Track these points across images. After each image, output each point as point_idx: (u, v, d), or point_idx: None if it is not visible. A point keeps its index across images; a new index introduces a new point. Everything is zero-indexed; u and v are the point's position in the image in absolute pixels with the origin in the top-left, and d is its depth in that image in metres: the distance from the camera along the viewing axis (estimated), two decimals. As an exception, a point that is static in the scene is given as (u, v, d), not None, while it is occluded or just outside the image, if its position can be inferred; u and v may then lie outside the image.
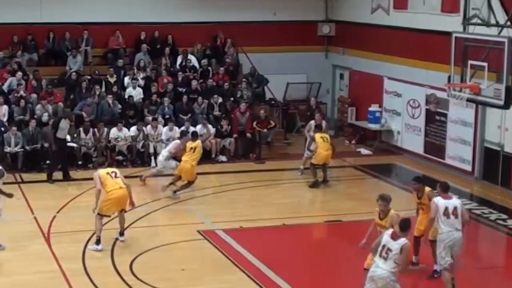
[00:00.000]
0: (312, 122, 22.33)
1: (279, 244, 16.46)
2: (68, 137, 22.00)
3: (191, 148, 19.47)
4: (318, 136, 20.86)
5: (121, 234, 16.09)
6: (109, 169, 15.95)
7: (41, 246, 16.07)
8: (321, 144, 20.63)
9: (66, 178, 21.30)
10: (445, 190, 13.84)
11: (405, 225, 11.91)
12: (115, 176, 15.72)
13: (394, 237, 11.73)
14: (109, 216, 15.94)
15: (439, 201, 13.52)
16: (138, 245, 15.90)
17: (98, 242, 15.65)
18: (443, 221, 13.39)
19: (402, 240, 11.68)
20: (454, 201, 13.62)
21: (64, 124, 21.12)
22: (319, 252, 16.16)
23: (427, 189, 14.52)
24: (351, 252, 15.90)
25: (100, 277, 14.31)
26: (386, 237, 11.80)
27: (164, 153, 20.57)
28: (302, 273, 14.80)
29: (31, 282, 14.15)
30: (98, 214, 15.71)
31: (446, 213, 13.42)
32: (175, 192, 19.50)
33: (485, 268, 15.26)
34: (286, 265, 15.00)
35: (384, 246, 11.73)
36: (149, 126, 23.25)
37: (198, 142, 19.83)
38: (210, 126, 23.73)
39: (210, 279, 14.44)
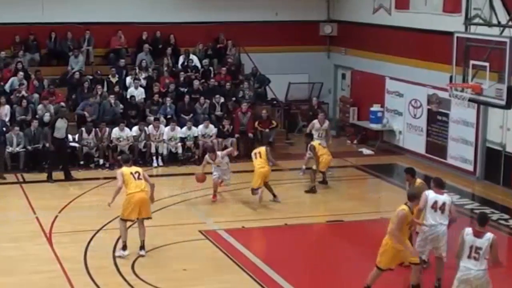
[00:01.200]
0: (315, 122, 22.30)
1: (281, 244, 16.46)
2: (70, 137, 22.07)
3: (256, 154, 19.26)
4: (316, 143, 20.76)
5: (142, 248, 15.38)
6: (133, 169, 15.46)
7: (43, 246, 16.07)
8: (321, 150, 20.57)
9: (68, 178, 21.29)
10: (439, 185, 13.97)
11: (483, 220, 11.98)
12: (138, 178, 15.27)
13: (478, 234, 11.73)
14: (132, 221, 15.49)
15: (430, 194, 13.72)
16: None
17: (124, 247, 15.31)
18: (429, 213, 13.62)
19: (489, 235, 11.71)
20: (445, 197, 13.81)
21: (61, 123, 21.11)
22: (321, 252, 16.15)
23: (418, 181, 14.66)
24: (352, 252, 15.95)
25: (102, 277, 14.31)
26: (469, 237, 11.75)
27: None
28: (303, 273, 14.79)
29: (33, 282, 14.15)
30: (121, 219, 15.36)
31: (434, 206, 13.64)
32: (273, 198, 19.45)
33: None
34: (288, 265, 15.00)
35: (471, 246, 11.70)
36: (150, 126, 23.24)
37: (262, 147, 19.56)
38: (211, 126, 23.75)
39: (211, 279, 14.44)
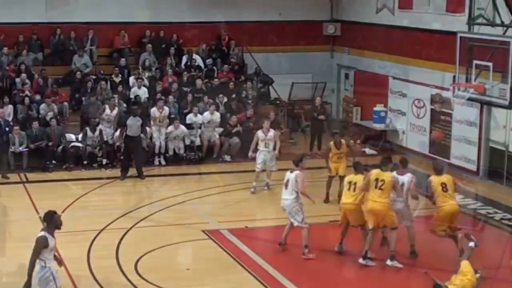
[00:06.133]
0: (258, 132, 20.30)
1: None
2: (73, 137, 22.05)
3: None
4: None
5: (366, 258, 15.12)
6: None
7: (46, 245, 16.05)
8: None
9: (140, 176, 21.40)
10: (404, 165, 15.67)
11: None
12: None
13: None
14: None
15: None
16: (143, 245, 15.89)
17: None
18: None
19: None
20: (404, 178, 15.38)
21: (132, 121, 21.11)
22: (324, 252, 16.13)
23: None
24: (355, 252, 15.92)
25: (105, 277, 14.32)
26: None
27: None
28: (306, 273, 14.80)
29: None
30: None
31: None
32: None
33: (489, 268, 15.21)
34: (291, 265, 15.00)
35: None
36: (154, 108, 23.05)
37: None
38: (217, 113, 23.72)
39: (215, 279, 14.45)
